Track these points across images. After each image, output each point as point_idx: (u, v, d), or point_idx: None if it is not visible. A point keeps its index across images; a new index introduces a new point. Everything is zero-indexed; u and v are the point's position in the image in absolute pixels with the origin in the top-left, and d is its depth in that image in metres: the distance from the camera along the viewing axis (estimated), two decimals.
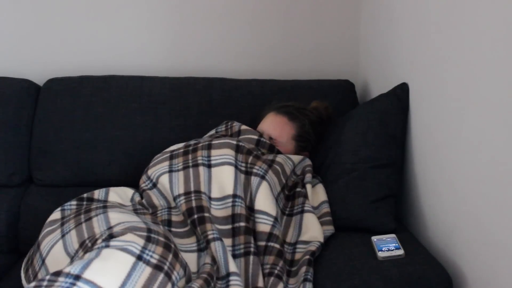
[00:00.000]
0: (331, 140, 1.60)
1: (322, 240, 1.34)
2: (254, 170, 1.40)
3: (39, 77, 1.86)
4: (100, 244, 1.08)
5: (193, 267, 1.26)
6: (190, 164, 1.43)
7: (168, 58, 1.96)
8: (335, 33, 1.98)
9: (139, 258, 1.05)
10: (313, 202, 1.45)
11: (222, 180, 1.37)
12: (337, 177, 1.47)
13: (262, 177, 1.39)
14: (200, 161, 1.42)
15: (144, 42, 1.94)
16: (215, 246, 1.25)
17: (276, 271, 1.23)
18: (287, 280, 1.26)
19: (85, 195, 1.45)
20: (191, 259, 1.28)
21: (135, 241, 1.08)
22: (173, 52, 1.95)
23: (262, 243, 1.30)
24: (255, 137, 1.59)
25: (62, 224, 1.29)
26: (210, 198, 1.36)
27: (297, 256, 1.33)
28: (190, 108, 1.75)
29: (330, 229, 1.38)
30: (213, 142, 1.45)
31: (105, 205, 1.32)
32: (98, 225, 1.20)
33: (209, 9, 1.93)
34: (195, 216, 1.33)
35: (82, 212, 1.31)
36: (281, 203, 1.43)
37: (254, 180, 1.38)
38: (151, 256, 1.07)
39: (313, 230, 1.36)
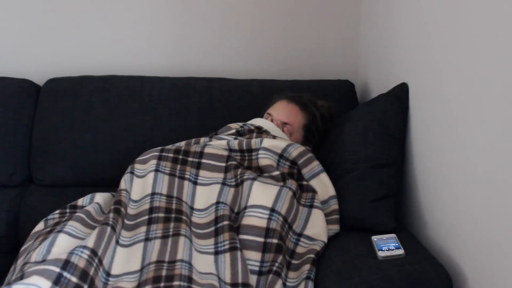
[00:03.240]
0: (331, 140, 1.60)
1: (325, 240, 1.33)
2: (245, 177, 1.38)
3: (39, 77, 1.86)
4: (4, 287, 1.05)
5: (136, 265, 1.22)
6: (177, 174, 1.42)
7: (168, 58, 1.96)
8: (335, 33, 1.99)
9: None
10: (322, 195, 1.43)
11: (207, 195, 1.38)
12: (337, 177, 1.47)
13: (254, 179, 1.37)
14: (187, 176, 1.42)
15: (144, 42, 1.94)
16: (184, 242, 1.22)
17: (274, 268, 1.21)
18: (286, 274, 1.23)
19: (68, 204, 1.46)
20: (132, 253, 1.24)
21: (39, 285, 1.04)
22: (173, 52, 1.96)
23: (260, 239, 1.25)
24: (234, 129, 1.60)
25: (35, 240, 1.29)
26: (192, 208, 1.36)
27: (299, 249, 1.31)
28: (190, 108, 1.75)
29: (335, 228, 1.38)
30: (203, 161, 1.44)
31: (70, 218, 1.32)
32: (39, 251, 1.18)
33: (209, 9, 1.93)
34: (173, 215, 1.31)
35: (52, 227, 1.32)
36: (294, 187, 1.38)
37: (246, 184, 1.36)
38: None
39: (318, 227, 1.35)
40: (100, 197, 1.45)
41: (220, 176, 1.42)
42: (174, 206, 1.34)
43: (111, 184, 1.66)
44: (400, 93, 1.49)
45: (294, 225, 1.34)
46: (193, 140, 1.58)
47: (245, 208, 1.31)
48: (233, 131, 1.59)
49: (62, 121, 1.72)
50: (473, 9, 1.13)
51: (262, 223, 1.27)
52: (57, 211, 1.43)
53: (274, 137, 1.55)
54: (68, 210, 1.43)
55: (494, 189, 1.07)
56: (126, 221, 1.31)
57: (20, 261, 1.22)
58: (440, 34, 1.29)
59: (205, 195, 1.38)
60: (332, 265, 1.25)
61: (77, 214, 1.32)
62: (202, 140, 1.57)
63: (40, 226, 1.39)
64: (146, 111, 1.74)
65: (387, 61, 1.67)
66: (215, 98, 1.77)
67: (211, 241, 1.27)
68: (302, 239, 1.33)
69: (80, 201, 1.46)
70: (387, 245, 1.25)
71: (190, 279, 1.11)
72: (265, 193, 1.32)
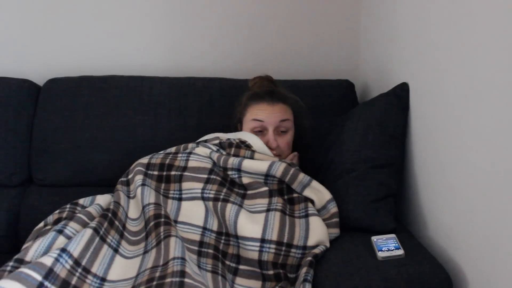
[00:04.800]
0: (331, 140, 1.60)
1: (328, 244, 1.33)
2: (231, 200, 1.37)
3: (39, 77, 1.86)
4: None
5: (133, 272, 1.22)
6: (161, 192, 1.42)
7: (168, 58, 1.96)
8: (335, 33, 1.98)
9: None
10: (320, 201, 1.42)
11: (192, 212, 1.37)
12: (337, 177, 1.47)
13: (240, 206, 1.37)
14: (171, 195, 1.42)
15: (144, 42, 1.94)
16: (175, 241, 1.20)
17: None
18: None
19: (69, 203, 1.46)
20: (132, 264, 1.24)
21: None
22: (173, 52, 1.95)
23: (257, 270, 1.29)
24: (218, 141, 1.56)
25: (35, 239, 1.29)
26: (176, 222, 1.35)
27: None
28: (190, 108, 1.75)
29: (335, 232, 1.37)
30: (185, 173, 1.43)
31: (70, 216, 1.34)
32: (37, 250, 1.18)
33: (209, 9, 1.93)
34: (162, 219, 1.30)
35: (51, 224, 1.33)
36: (281, 206, 1.38)
37: (231, 209, 1.35)
38: None
39: (319, 234, 1.33)
40: (102, 199, 1.45)
41: (199, 186, 1.41)
42: (163, 212, 1.33)
43: (111, 184, 1.65)
44: (401, 93, 1.49)
45: (295, 240, 1.31)
46: (182, 146, 1.57)
47: (236, 237, 1.32)
48: (217, 141, 1.56)
49: (62, 121, 1.72)
50: (474, 9, 1.13)
51: (254, 255, 1.29)
52: (57, 210, 1.43)
53: (253, 152, 1.50)
54: (68, 206, 1.43)
55: (494, 189, 1.07)
56: (128, 236, 1.32)
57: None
58: (441, 34, 1.29)
59: (189, 211, 1.38)
60: (332, 266, 1.25)
61: (78, 215, 1.32)
62: (190, 146, 1.56)
63: (41, 224, 1.40)
64: (146, 111, 1.74)
65: (387, 61, 1.67)
66: (215, 98, 1.77)
67: (194, 256, 1.28)
68: (307, 251, 1.32)
69: (81, 201, 1.46)
70: (387, 246, 1.25)
71: (183, 273, 1.11)
72: (252, 222, 1.32)
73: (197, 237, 1.32)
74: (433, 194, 1.36)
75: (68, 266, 1.14)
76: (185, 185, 1.42)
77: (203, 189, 1.40)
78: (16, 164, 1.71)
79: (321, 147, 1.65)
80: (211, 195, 1.39)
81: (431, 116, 1.35)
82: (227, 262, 1.30)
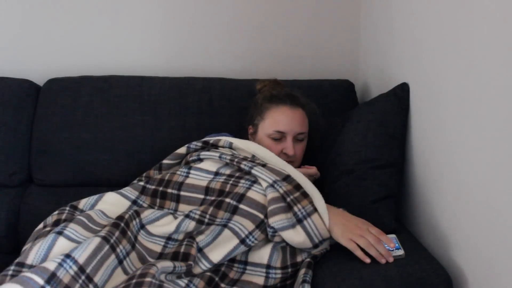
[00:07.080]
0: (331, 140, 1.60)
1: (328, 235, 1.30)
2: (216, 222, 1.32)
3: (39, 77, 1.86)
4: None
5: None
6: (156, 208, 1.40)
7: (168, 58, 1.96)
8: (335, 33, 1.99)
9: None
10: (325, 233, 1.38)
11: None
12: (337, 177, 1.47)
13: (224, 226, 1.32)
14: (165, 211, 1.37)
15: (144, 42, 1.94)
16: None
17: None
18: None
19: (69, 204, 1.43)
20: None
21: None
22: (173, 52, 1.96)
23: None
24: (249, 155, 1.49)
25: (35, 240, 1.27)
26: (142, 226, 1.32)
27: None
28: (190, 108, 1.75)
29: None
30: (182, 193, 1.38)
31: (70, 218, 1.30)
32: (38, 253, 1.16)
33: (209, 9, 1.93)
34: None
35: (50, 226, 1.31)
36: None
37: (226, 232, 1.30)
38: None
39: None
40: (103, 204, 1.40)
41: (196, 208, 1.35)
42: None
43: (111, 184, 1.66)
44: (401, 93, 1.49)
45: (298, 258, 1.30)
46: (188, 157, 1.51)
47: (245, 263, 1.30)
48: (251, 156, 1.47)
49: (62, 121, 1.72)
50: (473, 9, 1.13)
51: (259, 280, 1.27)
52: (56, 211, 1.41)
53: (264, 165, 1.39)
54: (67, 208, 1.40)
55: (494, 189, 1.07)
56: (140, 249, 1.28)
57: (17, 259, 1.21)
58: (440, 34, 1.29)
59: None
60: (332, 266, 1.25)
61: (78, 217, 1.29)
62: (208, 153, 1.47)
63: (40, 225, 1.38)
64: (146, 111, 1.74)
65: (387, 61, 1.67)
66: (215, 98, 1.77)
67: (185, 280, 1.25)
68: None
69: (81, 205, 1.42)
70: (387, 246, 1.25)
71: (161, 283, 1.11)
72: (260, 248, 1.31)
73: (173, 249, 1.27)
74: (433, 194, 1.36)
75: (72, 272, 1.11)
76: (182, 207, 1.38)
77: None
78: (16, 164, 1.71)
79: (321, 147, 1.65)
80: (196, 216, 1.31)
81: (431, 116, 1.35)
82: (223, 285, 1.26)
